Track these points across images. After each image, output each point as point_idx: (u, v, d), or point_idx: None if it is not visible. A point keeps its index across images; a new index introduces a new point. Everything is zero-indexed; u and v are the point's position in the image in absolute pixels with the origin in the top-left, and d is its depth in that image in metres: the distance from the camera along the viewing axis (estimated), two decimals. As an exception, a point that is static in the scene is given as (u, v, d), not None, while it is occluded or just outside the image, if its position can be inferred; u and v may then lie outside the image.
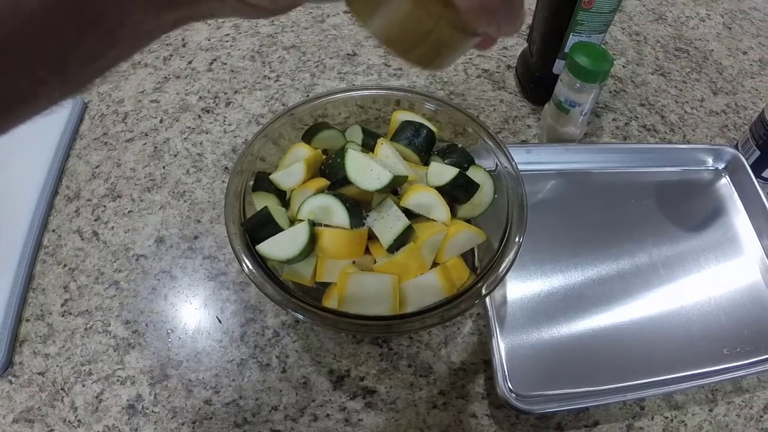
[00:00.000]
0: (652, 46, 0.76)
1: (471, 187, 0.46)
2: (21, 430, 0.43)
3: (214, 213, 0.55)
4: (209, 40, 0.71)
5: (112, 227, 0.54)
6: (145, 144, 0.60)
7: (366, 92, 0.51)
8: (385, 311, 0.41)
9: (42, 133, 0.58)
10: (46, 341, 0.47)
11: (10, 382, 0.45)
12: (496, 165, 0.47)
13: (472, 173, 0.47)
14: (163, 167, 0.58)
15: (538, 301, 0.49)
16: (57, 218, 0.54)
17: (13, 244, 0.50)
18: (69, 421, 0.43)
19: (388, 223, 0.42)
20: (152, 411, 0.44)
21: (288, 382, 0.46)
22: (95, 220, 0.54)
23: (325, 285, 0.45)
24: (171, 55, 0.69)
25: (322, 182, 0.46)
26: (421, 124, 0.48)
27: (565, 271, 0.51)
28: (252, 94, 0.65)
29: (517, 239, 0.42)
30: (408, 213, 0.43)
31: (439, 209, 0.44)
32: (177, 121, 0.62)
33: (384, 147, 0.45)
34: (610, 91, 0.69)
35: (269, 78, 0.67)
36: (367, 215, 0.43)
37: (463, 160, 0.49)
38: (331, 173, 0.46)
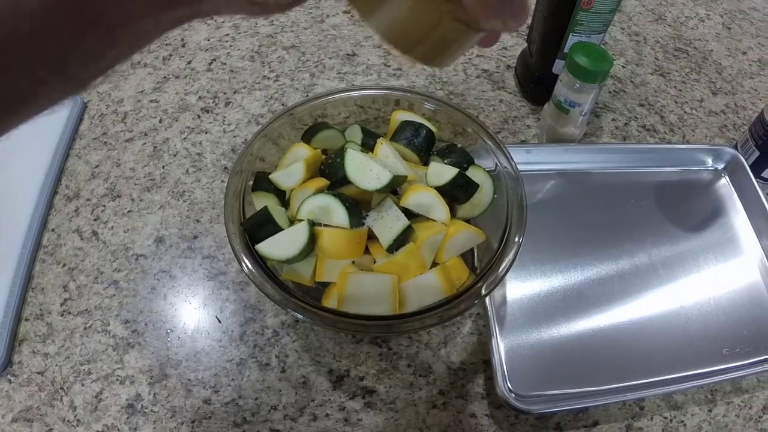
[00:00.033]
0: (652, 46, 0.76)
1: (470, 187, 0.46)
2: (20, 429, 0.43)
3: (214, 213, 0.55)
4: (209, 40, 0.71)
5: (112, 227, 0.54)
6: (144, 144, 0.60)
7: (365, 92, 0.51)
8: (384, 311, 0.41)
9: (41, 132, 0.58)
10: (46, 341, 0.47)
11: (10, 381, 0.45)
12: (496, 165, 0.47)
13: (472, 173, 0.47)
14: (163, 167, 0.58)
15: (538, 301, 0.49)
16: (56, 218, 0.54)
17: (13, 244, 0.50)
18: (68, 421, 0.43)
19: (387, 223, 0.42)
20: (151, 410, 0.44)
21: (287, 381, 0.46)
22: (95, 220, 0.54)
23: (325, 285, 0.45)
24: (170, 55, 0.69)
25: (322, 182, 0.46)
26: (421, 124, 0.48)
27: (565, 271, 0.51)
28: (251, 94, 0.65)
29: (516, 239, 0.42)
30: (408, 213, 0.43)
31: (439, 209, 0.44)
32: (176, 120, 0.62)
33: (383, 147, 0.45)
34: (609, 92, 0.69)
35: (269, 78, 0.67)
36: (367, 215, 0.43)
37: (463, 160, 0.49)
38: (330, 173, 0.46)
